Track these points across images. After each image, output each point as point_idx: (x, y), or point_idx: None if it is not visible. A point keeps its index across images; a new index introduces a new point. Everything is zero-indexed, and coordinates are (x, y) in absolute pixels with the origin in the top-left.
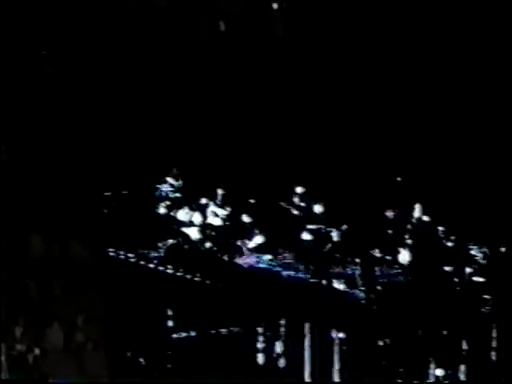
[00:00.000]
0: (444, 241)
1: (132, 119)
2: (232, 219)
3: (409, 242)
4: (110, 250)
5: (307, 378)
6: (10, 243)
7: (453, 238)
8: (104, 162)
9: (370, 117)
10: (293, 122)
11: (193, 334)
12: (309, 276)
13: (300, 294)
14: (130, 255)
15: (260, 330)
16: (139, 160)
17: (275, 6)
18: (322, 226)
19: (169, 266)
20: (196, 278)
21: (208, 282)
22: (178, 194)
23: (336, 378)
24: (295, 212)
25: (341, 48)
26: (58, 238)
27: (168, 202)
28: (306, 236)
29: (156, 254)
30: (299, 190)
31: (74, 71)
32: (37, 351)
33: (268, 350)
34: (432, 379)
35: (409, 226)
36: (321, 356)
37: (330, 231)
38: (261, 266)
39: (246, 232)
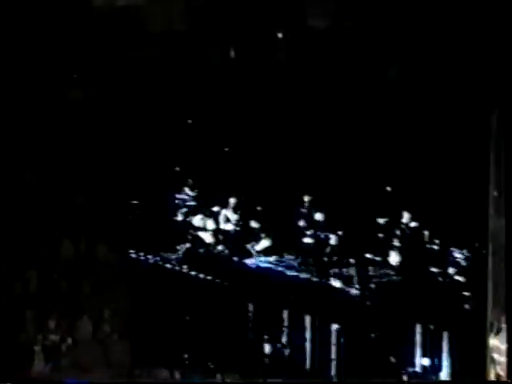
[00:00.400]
0: (429, 244)
1: (157, 142)
2: (241, 225)
3: (398, 245)
4: (132, 252)
5: (308, 367)
6: (45, 247)
7: (437, 241)
8: (129, 176)
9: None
10: (295, 139)
11: (203, 325)
12: (310, 275)
13: (302, 292)
14: (149, 257)
15: (265, 322)
16: (160, 173)
17: (280, 35)
18: (322, 232)
19: (184, 267)
20: (208, 277)
21: (218, 280)
22: (193, 203)
23: (333, 367)
24: (298, 219)
25: (340, 72)
26: (87, 242)
27: (184, 210)
28: (307, 240)
29: (173, 256)
30: (302, 199)
31: (98, 91)
32: (69, 341)
33: (272, 341)
34: (418, 368)
35: (398, 232)
36: (320, 345)
37: (329, 236)
38: (266, 266)
39: (253, 236)
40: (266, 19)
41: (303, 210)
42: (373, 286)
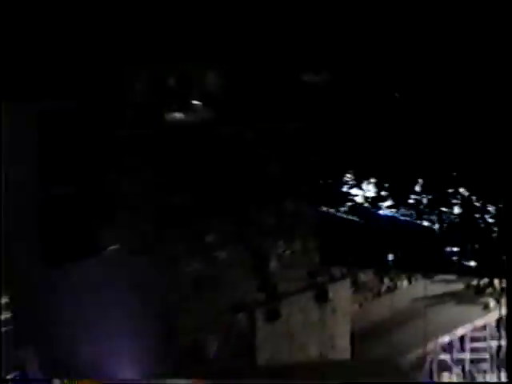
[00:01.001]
0: (476, 203)
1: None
2: (377, 193)
3: (459, 203)
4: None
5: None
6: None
7: (480, 201)
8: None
9: None
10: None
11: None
12: (414, 219)
13: (408, 227)
14: (330, 210)
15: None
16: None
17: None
18: (419, 196)
19: (349, 215)
20: (360, 221)
21: (365, 222)
22: (352, 182)
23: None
24: (408, 190)
25: None
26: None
27: (348, 186)
28: (411, 201)
29: (342, 209)
30: (411, 180)
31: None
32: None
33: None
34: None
35: (458, 197)
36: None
37: (424, 198)
38: (389, 214)
39: (383, 199)
40: None
41: (411, 186)
42: (445, 225)
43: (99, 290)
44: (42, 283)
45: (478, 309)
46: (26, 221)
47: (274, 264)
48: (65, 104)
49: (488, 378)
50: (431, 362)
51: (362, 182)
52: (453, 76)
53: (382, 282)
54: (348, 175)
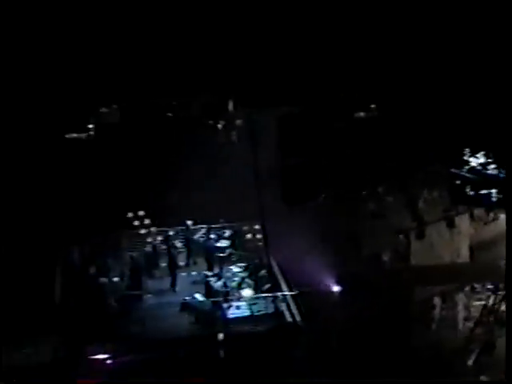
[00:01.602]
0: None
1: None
2: (485, 160)
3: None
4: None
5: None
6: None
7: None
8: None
9: None
10: None
11: None
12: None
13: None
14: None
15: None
16: None
17: None
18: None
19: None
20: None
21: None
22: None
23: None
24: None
25: None
26: None
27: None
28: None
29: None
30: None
31: None
32: None
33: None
34: None
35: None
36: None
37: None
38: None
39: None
40: None
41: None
42: None
43: (314, 220)
44: (279, 215)
45: None
46: (271, 177)
47: (421, 204)
48: (295, 109)
49: None
50: None
51: (476, 153)
52: None
53: (488, 214)
54: (467, 149)
